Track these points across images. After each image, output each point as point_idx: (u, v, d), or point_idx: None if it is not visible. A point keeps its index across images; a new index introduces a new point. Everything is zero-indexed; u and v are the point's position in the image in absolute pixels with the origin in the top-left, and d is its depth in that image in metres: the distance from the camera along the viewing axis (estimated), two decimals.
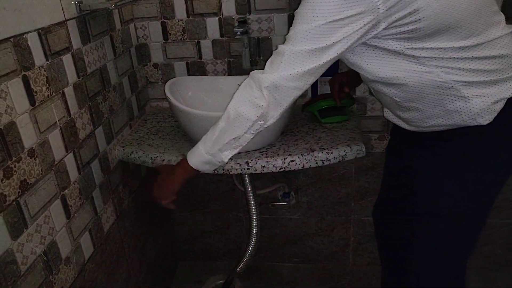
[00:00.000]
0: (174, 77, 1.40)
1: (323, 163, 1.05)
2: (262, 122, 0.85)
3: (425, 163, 0.87)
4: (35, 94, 0.82)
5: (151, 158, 1.12)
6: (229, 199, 1.57)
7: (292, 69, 0.78)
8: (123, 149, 1.18)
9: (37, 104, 0.83)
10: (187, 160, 0.94)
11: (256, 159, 1.05)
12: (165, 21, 1.33)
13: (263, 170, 1.05)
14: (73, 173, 0.95)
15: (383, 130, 1.38)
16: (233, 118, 0.85)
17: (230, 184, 1.53)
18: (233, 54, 1.35)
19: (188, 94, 1.20)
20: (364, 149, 1.08)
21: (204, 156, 0.92)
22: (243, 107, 0.84)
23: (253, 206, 1.28)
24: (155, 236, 1.46)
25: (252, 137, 0.88)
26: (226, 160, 0.92)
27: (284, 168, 1.05)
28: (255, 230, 1.31)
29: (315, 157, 1.05)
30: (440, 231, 0.88)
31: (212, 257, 1.71)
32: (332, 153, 1.05)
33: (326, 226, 1.56)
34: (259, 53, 1.34)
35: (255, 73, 0.83)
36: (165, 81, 1.41)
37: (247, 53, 1.31)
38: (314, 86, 1.28)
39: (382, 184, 1.07)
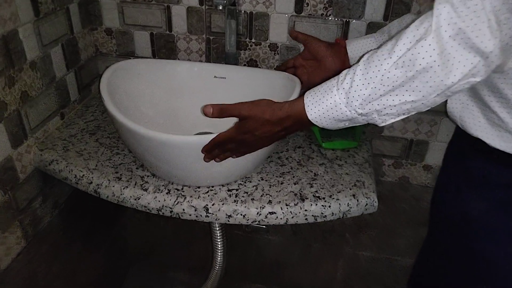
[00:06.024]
0: (133, 50, 1.03)
1: (316, 219, 0.73)
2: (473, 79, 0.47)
3: None
4: None
5: (75, 176, 0.79)
6: None
7: None
8: (41, 154, 0.84)
9: None
10: (304, 110, 0.58)
11: (220, 202, 0.72)
12: None
13: (228, 221, 0.72)
14: None
15: (400, 156, 1.05)
16: (424, 67, 0.47)
17: None
18: (215, 30, 0.98)
19: (138, 90, 0.84)
20: (376, 203, 0.75)
21: (343, 112, 0.55)
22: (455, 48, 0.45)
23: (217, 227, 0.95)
24: (96, 251, 1.16)
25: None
26: (382, 125, 0.56)
27: (259, 221, 0.72)
28: (220, 252, 1.00)
29: (306, 210, 0.72)
30: None
31: (169, 269, 1.43)
32: (330, 206, 0.73)
33: (312, 255, 1.27)
34: (250, 33, 0.96)
35: None
36: (120, 55, 1.04)
37: (233, 31, 0.93)
38: None
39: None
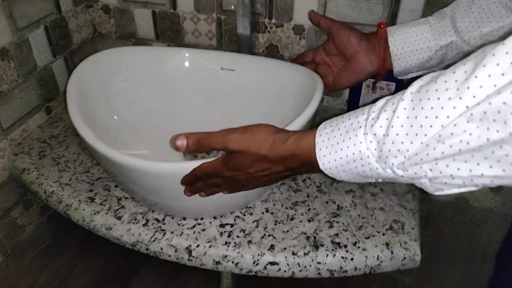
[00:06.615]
0: (135, 32, 0.87)
1: (332, 274, 0.55)
2: None
3: None
4: None
5: (45, 191, 0.66)
6: None
7: None
8: (14, 160, 0.71)
9: None
10: (315, 153, 0.39)
11: (207, 243, 0.56)
12: None
13: (216, 268, 0.56)
14: None
15: None
16: None
17: None
18: (227, 8, 0.78)
19: (119, 88, 0.68)
20: (418, 257, 0.55)
21: (372, 168, 0.36)
22: None
23: None
24: (95, 255, 1.05)
25: None
26: (436, 194, 0.34)
27: (256, 272, 0.55)
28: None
29: (319, 262, 0.54)
30: None
31: (181, 271, 1.31)
32: (352, 258, 0.54)
33: None
34: (270, 13, 0.76)
35: None
36: (120, 37, 0.89)
37: (247, 9, 0.73)
38: (355, 95, 0.71)
39: None
